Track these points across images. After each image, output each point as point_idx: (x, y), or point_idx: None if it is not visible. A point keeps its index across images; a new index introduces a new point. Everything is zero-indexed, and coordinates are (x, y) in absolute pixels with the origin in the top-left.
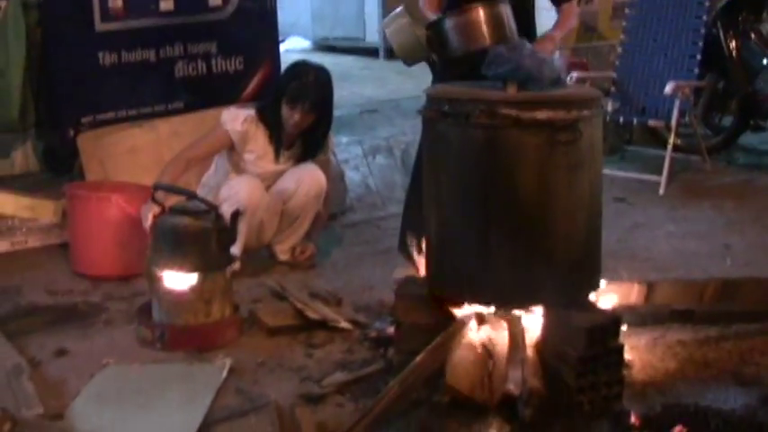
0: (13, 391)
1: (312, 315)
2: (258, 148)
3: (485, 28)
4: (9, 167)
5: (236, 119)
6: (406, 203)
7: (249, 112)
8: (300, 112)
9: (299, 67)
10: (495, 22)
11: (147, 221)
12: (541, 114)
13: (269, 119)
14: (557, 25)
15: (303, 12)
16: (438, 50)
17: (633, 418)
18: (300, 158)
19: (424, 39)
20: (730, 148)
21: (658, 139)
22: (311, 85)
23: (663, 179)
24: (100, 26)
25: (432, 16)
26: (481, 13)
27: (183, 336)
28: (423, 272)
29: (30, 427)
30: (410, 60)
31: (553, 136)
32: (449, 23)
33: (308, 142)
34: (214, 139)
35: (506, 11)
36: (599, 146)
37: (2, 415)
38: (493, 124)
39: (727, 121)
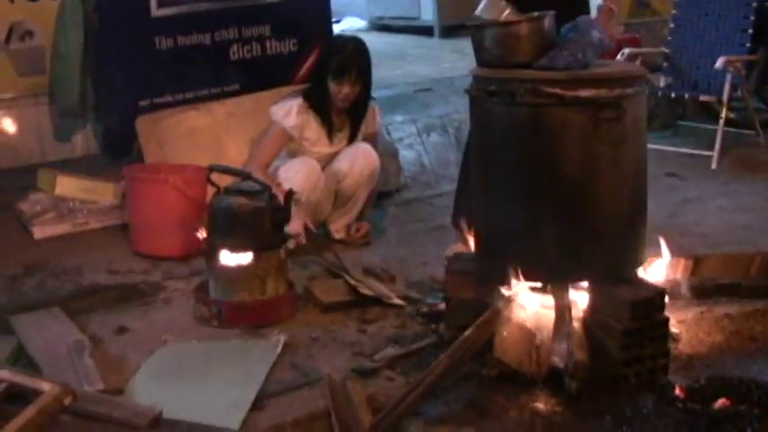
0: (75, 368)
1: (365, 291)
2: (313, 134)
3: (526, 43)
4: (70, 151)
5: (289, 113)
6: (460, 181)
7: (297, 101)
8: (348, 83)
9: (336, 42)
10: (538, 37)
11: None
12: (585, 92)
13: (317, 103)
14: None
15: None
16: (475, 54)
17: (678, 391)
18: (352, 135)
19: None
20: None
21: (711, 114)
22: (352, 55)
23: (715, 154)
24: (156, 11)
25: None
26: (525, 28)
27: (238, 313)
28: (473, 249)
29: (90, 402)
30: None
31: (597, 113)
32: (489, 33)
33: (354, 117)
34: (275, 140)
35: (550, 23)
36: (643, 122)
37: (62, 390)
38: (537, 102)
39: None
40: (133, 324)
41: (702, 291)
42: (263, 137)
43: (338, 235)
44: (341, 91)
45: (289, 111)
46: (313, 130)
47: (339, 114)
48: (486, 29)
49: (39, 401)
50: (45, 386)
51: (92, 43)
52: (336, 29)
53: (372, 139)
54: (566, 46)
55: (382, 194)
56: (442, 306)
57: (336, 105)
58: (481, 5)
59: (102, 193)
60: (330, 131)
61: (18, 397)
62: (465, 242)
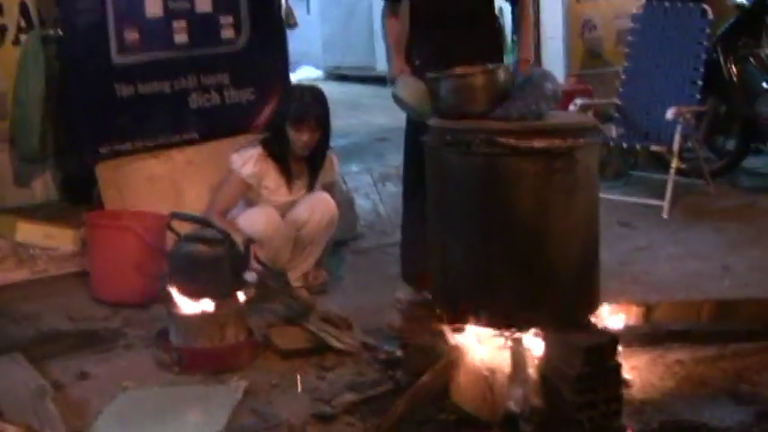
0: (36, 413)
1: (336, 344)
2: (272, 183)
3: (481, 94)
4: (30, 196)
5: (247, 162)
6: (404, 229)
7: (256, 150)
8: (308, 130)
9: (294, 91)
10: (493, 88)
11: None
12: (538, 143)
13: (276, 151)
14: (523, 41)
15: (314, 41)
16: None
17: None
18: (310, 184)
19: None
20: (734, 171)
21: (662, 164)
22: (311, 103)
23: (666, 203)
24: (117, 59)
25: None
26: (480, 79)
27: (199, 359)
28: (424, 293)
29: None
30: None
31: (550, 163)
32: (445, 84)
33: (312, 165)
34: (234, 188)
35: (504, 75)
36: (595, 172)
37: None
38: (492, 152)
39: (731, 144)
40: (94, 370)
41: (654, 337)
42: (222, 185)
43: (296, 282)
44: (300, 138)
45: (247, 160)
46: (272, 178)
47: (298, 162)
48: (442, 80)
49: None
50: (10, 429)
51: (53, 89)
52: (292, 78)
53: (330, 188)
54: (520, 97)
55: (339, 243)
56: (399, 353)
57: (296, 153)
58: (398, 84)
59: (63, 239)
60: (289, 180)
61: None
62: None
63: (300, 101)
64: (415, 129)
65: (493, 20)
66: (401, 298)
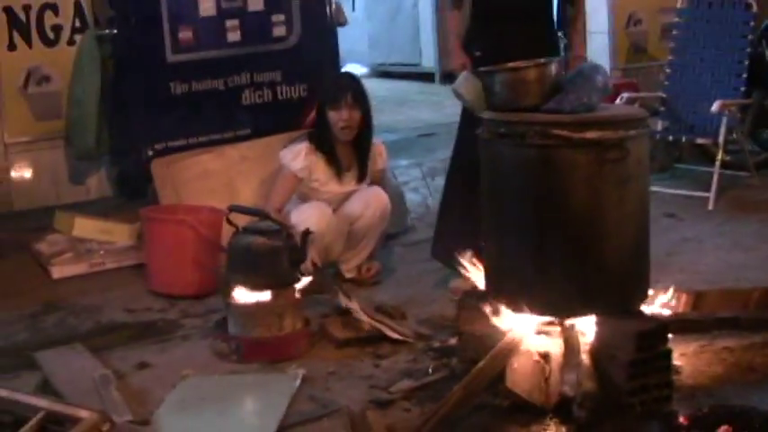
0: (102, 400)
1: (391, 334)
2: (322, 175)
3: (534, 87)
4: (85, 193)
5: (297, 156)
6: (442, 212)
7: (304, 144)
8: (346, 107)
9: (328, 77)
10: (545, 81)
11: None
12: (591, 134)
13: (321, 142)
14: (576, 38)
15: (360, 39)
16: (486, 98)
17: (681, 419)
18: (360, 173)
19: None
20: None
21: (707, 157)
22: (345, 82)
23: (711, 195)
24: (171, 57)
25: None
26: (532, 73)
27: (257, 348)
28: (474, 279)
29: (125, 430)
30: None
31: (602, 154)
32: (499, 78)
33: (359, 153)
34: (286, 183)
35: (557, 68)
36: (646, 162)
37: (101, 417)
38: (546, 144)
39: None
40: (153, 360)
41: (703, 324)
42: (275, 181)
43: (349, 274)
44: (340, 118)
45: (297, 154)
46: (321, 170)
47: (345, 152)
48: (496, 74)
49: (78, 428)
50: (83, 414)
51: (108, 88)
52: None
53: (380, 177)
54: (572, 90)
55: (390, 236)
56: (453, 341)
57: (340, 138)
58: (458, 80)
59: (119, 234)
60: (339, 171)
61: (56, 424)
62: (461, 273)
63: (335, 82)
64: (469, 118)
65: (550, 16)
66: (455, 288)
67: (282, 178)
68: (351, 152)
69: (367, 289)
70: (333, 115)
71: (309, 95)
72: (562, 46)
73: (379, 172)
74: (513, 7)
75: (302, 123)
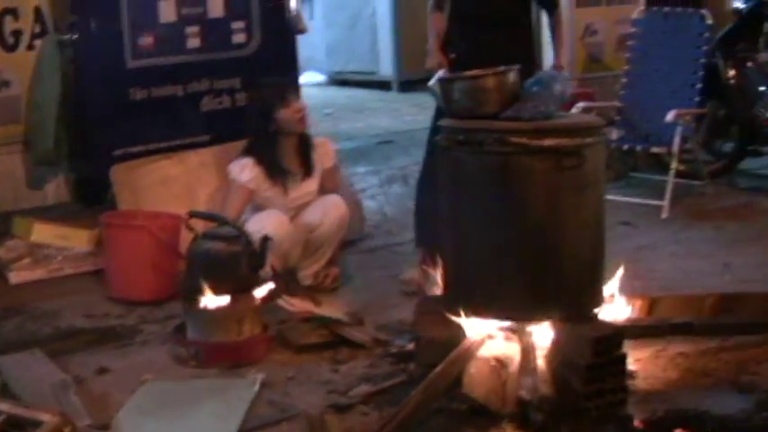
0: (61, 405)
1: (349, 336)
2: (270, 185)
3: (492, 95)
4: (43, 198)
5: (244, 169)
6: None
7: (249, 158)
8: (295, 99)
9: (256, 89)
10: (504, 89)
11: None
12: (548, 142)
13: (264, 154)
14: (557, 48)
15: (318, 47)
16: (445, 106)
17: (637, 423)
18: (306, 169)
19: None
20: (732, 172)
21: (662, 165)
22: (278, 81)
23: (666, 203)
24: (131, 63)
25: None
26: (491, 81)
27: (216, 353)
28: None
29: None
30: None
31: (559, 161)
32: (458, 86)
33: (302, 151)
34: (238, 196)
35: (515, 77)
36: (602, 170)
37: (62, 419)
38: (504, 151)
39: (729, 146)
40: (113, 365)
41: (657, 330)
42: (227, 196)
43: (307, 281)
44: (296, 109)
45: (244, 167)
46: (269, 181)
47: (291, 152)
48: (456, 82)
49: (40, 431)
50: (45, 417)
51: (68, 93)
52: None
53: (331, 175)
54: (530, 98)
55: (347, 243)
56: (411, 346)
57: (299, 131)
58: (434, 79)
59: (78, 239)
60: (285, 180)
61: (17, 428)
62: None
63: (271, 87)
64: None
65: (528, 23)
66: (407, 279)
67: (234, 192)
68: (296, 150)
69: (324, 295)
70: (287, 113)
71: None
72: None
73: (329, 170)
74: (488, 13)
75: None
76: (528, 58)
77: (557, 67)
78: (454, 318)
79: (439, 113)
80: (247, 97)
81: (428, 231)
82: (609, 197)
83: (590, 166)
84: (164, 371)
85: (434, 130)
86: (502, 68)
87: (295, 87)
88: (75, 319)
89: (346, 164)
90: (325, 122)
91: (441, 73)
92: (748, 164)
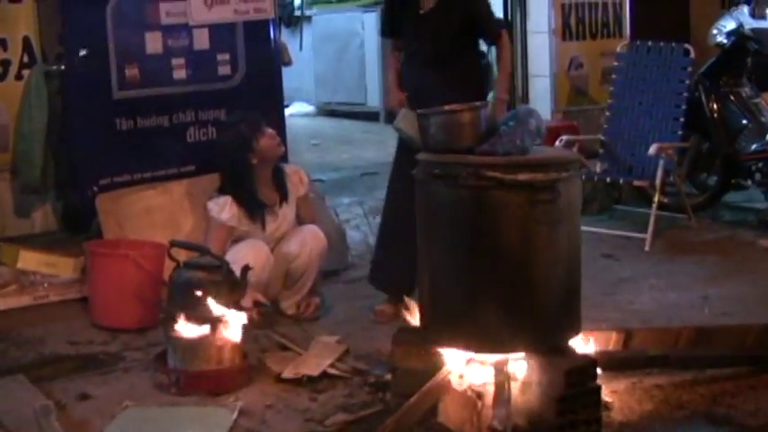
0: (42, 430)
1: (328, 369)
2: (248, 220)
3: (468, 129)
4: (29, 226)
5: (222, 208)
6: (381, 237)
7: (226, 196)
8: (267, 128)
9: (228, 124)
10: (479, 124)
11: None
12: (523, 176)
13: (241, 191)
14: (500, 83)
15: (307, 77)
16: (421, 140)
17: None
18: (282, 196)
19: None
20: (715, 205)
21: (646, 198)
22: (247, 115)
23: (648, 236)
24: (117, 94)
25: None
26: (467, 116)
27: (196, 380)
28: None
29: None
30: None
31: (533, 196)
32: (434, 120)
33: (279, 176)
34: (218, 234)
35: (489, 111)
36: (577, 204)
37: None
38: (479, 185)
39: (713, 180)
40: (95, 391)
41: (633, 362)
42: (207, 233)
43: (289, 311)
44: (272, 137)
45: (223, 206)
46: (247, 216)
47: (266, 183)
48: (432, 116)
49: None
50: None
51: (54, 123)
52: (286, 113)
53: (308, 202)
54: (505, 133)
55: (330, 273)
56: (389, 376)
57: (275, 158)
58: (398, 117)
59: (63, 267)
60: (262, 213)
61: None
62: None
63: (241, 119)
64: (405, 148)
65: (471, 60)
66: (380, 311)
67: (214, 230)
68: (271, 179)
69: (307, 325)
70: (265, 142)
71: None
72: None
73: (303, 198)
74: (428, 52)
75: None
76: (472, 97)
77: (499, 100)
78: (430, 348)
79: (401, 152)
80: (221, 134)
81: (384, 269)
82: (592, 229)
83: (564, 200)
84: (144, 397)
85: (396, 172)
86: (478, 104)
87: (279, 119)
88: (59, 346)
89: (331, 195)
90: (311, 153)
91: (403, 111)
92: (733, 197)
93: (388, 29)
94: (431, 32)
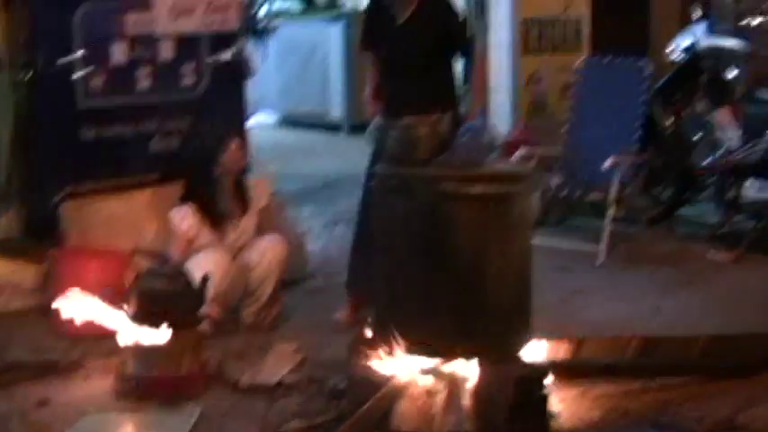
0: None
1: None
2: (210, 230)
3: (424, 143)
4: None
5: (183, 218)
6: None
7: (188, 206)
8: (231, 140)
9: (193, 134)
10: (435, 138)
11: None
12: (477, 189)
13: (203, 201)
14: (473, 94)
15: (270, 87)
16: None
17: None
18: (243, 207)
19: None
20: (669, 218)
21: (601, 211)
22: (210, 128)
23: (602, 248)
24: (82, 103)
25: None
26: (424, 130)
27: (155, 387)
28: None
29: None
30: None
31: (487, 207)
32: (392, 134)
33: (240, 186)
34: (180, 243)
35: (446, 126)
36: (529, 216)
37: None
38: (434, 197)
39: (668, 193)
40: (55, 397)
41: (582, 371)
42: (170, 242)
43: (248, 319)
44: (236, 149)
45: (184, 216)
46: (208, 225)
47: (229, 192)
48: (389, 130)
49: None
50: None
51: (20, 131)
52: (249, 123)
53: (269, 213)
54: (461, 146)
55: (290, 283)
56: (344, 384)
57: (239, 169)
58: (372, 126)
59: (26, 274)
60: (222, 222)
61: None
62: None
63: (207, 130)
64: (378, 155)
65: (446, 72)
66: (338, 319)
67: (175, 239)
68: (233, 190)
69: (265, 333)
70: (230, 154)
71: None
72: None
73: (265, 209)
74: (400, 64)
75: None
76: (445, 108)
77: (471, 113)
78: (385, 356)
79: (375, 159)
80: (185, 146)
81: (360, 276)
82: (548, 242)
83: (517, 212)
84: (104, 404)
85: (371, 176)
86: (434, 118)
87: (243, 129)
88: (21, 353)
89: (292, 205)
90: (273, 163)
91: (377, 120)
92: (687, 210)
93: (367, 41)
94: (406, 44)
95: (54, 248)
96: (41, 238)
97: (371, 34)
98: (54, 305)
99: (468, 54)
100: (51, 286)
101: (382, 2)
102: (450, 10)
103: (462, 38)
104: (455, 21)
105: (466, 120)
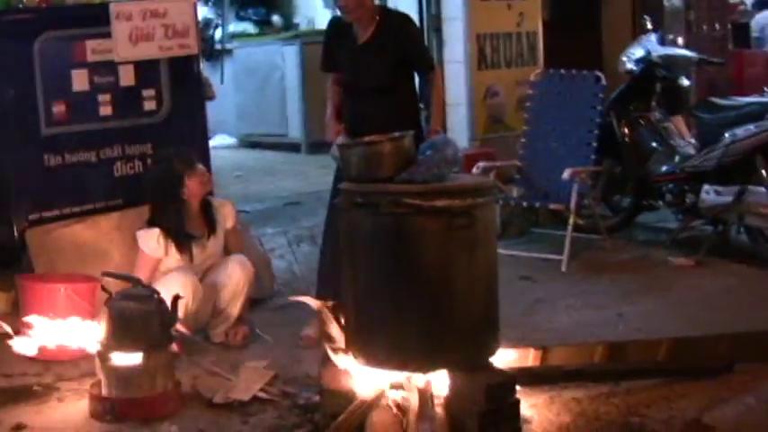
0: None
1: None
2: (176, 252)
3: (388, 159)
4: None
5: (149, 239)
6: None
7: (155, 228)
8: (197, 164)
9: (159, 159)
10: (399, 154)
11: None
12: (440, 203)
13: (170, 224)
14: (434, 112)
15: (229, 110)
16: (343, 170)
17: None
18: (210, 228)
19: None
20: (629, 226)
21: (562, 221)
22: (177, 153)
23: (564, 257)
24: (45, 130)
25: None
26: (387, 146)
27: (130, 407)
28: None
29: None
30: None
31: (451, 221)
32: (355, 151)
33: (208, 209)
34: (146, 265)
35: (409, 142)
36: (493, 229)
37: None
38: (399, 212)
39: (626, 201)
40: (30, 422)
41: (550, 377)
42: (137, 261)
43: (217, 339)
44: (203, 176)
45: (150, 237)
46: (174, 248)
47: (195, 215)
48: (353, 147)
49: None
50: None
51: None
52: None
53: (235, 234)
54: (423, 162)
55: (257, 301)
56: (317, 398)
57: (203, 194)
58: (334, 146)
59: None
60: (189, 244)
61: None
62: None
63: (173, 155)
64: (342, 173)
65: (407, 91)
66: (306, 335)
67: (142, 260)
68: (199, 212)
69: (236, 352)
70: (196, 178)
71: None
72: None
73: (232, 230)
74: (363, 84)
75: None
76: (408, 125)
77: (432, 131)
78: (356, 369)
79: (339, 176)
80: (151, 169)
81: (329, 287)
82: (510, 252)
83: (481, 225)
84: (80, 426)
85: (335, 192)
86: (397, 134)
87: (206, 152)
88: None
89: (256, 225)
90: (235, 185)
91: (340, 139)
92: (646, 218)
93: (328, 63)
94: (367, 64)
95: (22, 275)
96: (8, 265)
97: (332, 56)
98: (24, 331)
99: (425, 72)
100: (20, 313)
101: (342, 23)
102: (409, 29)
103: (422, 56)
104: (415, 39)
105: (428, 136)
